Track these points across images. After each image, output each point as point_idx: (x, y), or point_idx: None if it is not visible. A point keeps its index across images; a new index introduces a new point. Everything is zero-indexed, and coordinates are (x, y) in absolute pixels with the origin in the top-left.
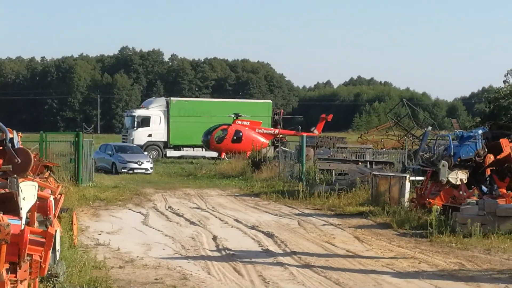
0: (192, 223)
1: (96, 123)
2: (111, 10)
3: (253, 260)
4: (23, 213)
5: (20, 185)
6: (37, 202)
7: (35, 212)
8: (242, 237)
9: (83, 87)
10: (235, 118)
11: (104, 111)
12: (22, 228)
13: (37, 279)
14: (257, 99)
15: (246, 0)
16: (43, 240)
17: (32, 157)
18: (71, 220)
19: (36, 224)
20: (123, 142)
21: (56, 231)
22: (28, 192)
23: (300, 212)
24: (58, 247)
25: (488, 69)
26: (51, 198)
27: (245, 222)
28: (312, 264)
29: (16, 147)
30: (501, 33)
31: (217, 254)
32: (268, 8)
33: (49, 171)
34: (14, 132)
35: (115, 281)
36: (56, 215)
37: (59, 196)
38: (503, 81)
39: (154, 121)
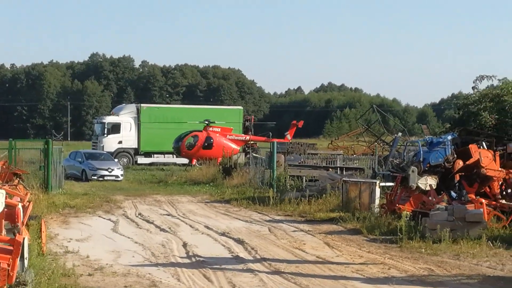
0: (162, 230)
1: (66, 130)
2: (81, 16)
3: (223, 266)
4: None
5: None
6: (5, 209)
7: (3, 220)
8: (213, 244)
9: (53, 94)
10: (206, 124)
11: (74, 118)
12: None
13: (5, 287)
14: (228, 105)
15: (216, 7)
16: (11, 248)
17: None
18: (40, 228)
19: (3, 232)
20: (93, 149)
21: (24, 238)
22: None
23: (271, 219)
24: (26, 254)
25: (458, 76)
26: (19, 205)
27: (215, 228)
28: (282, 270)
29: None
30: (471, 39)
31: (187, 261)
32: (239, 14)
33: (18, 178)
34: None
35: None
36: (25, 223)
37: (28, 203)
38: (472, 87)
39: (125, 128)
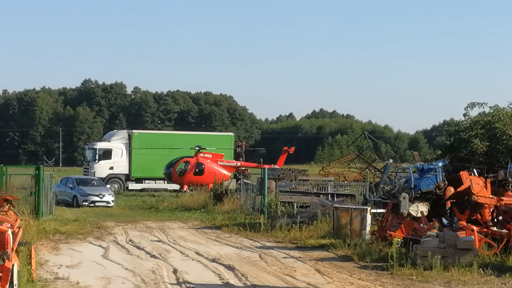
0: (153, 256)
1: (58, 156)
2: (73, 43)
3: None
4: None
5: None
6: None
7: None
8: (203, 270)
9: (45, 120)
10: (197, 150)
11: (66, 144)
12: None
13: None
14: (220, 131)
15: (208, 33)
16: (0, 274)
17: None
18: (30, 254)
19: None
20: (85, 175)
21: (13, 265)
22: None
23: (262, 245)
24: (15, 281)
25: (449, 102)
26: (9, 231)
27: (206, 255)
28: None
29: None
30: (462, 66)
31: (177, 287)
32: (230, 40)
33: (8, 204)
34: None
35: None
36: (14, 249)
37: (18, 229)
38: (463, 114)
39: (116, 154)
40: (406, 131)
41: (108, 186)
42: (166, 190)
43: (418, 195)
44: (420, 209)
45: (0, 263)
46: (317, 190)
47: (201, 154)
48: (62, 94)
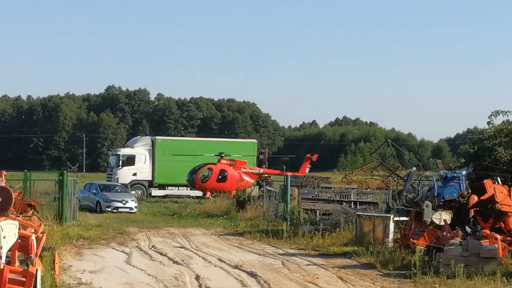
0: (176, 262)
1: (82, 162)
2: (97, 49)
3: None
4: (3, 251)
5: (1, 223)
6: (19, 240)
7: (16, 251)
8: (225, 277)
9: (68, 126)
10: (220, 157)
11: (90, 150)
12: (2, 267)
13: None
14: (243, 138)
15: (232, 40)
16: (23, 279)
17: (13, 196)
18: (53, 259)
19: (17, 263)
20: (108, 181)
21: (37, 270)
22: (8, 231)
23: (284, 252)
24: (39, 286)
25: (473, 110)
26: (33, 237)
27: (228, 261)
28: None
29: None
30: (486, 74)
31: None
32: (254, 47)
33: (32, 209)
34: None
35: None
36: (38, 254)
37: (41, 234)
38: (487, 122)
39: (139, 160)
40: (430, 139)
41: (133, 192)
42: (189, 196)
43: (441, 203)
44: (443, 217)
45: (24, 268)
46: (340, 198)
47: (224, 161)
48: (86, 100)
